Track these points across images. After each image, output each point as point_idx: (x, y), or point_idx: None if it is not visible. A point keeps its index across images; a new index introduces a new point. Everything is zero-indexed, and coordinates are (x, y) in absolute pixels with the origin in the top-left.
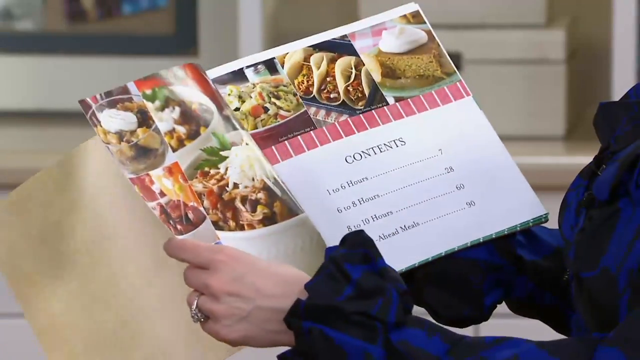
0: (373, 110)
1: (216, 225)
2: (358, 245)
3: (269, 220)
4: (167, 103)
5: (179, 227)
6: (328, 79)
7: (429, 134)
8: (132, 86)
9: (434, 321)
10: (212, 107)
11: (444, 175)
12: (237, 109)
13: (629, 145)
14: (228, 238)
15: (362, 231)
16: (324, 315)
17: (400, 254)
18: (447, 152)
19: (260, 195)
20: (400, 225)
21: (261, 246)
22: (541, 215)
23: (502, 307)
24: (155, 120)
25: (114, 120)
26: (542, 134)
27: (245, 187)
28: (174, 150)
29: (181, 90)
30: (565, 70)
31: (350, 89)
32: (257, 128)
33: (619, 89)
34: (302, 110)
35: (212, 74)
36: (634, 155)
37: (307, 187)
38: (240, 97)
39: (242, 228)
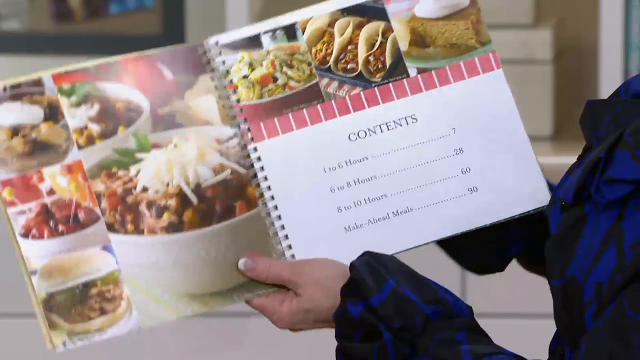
0: (390, 83)
1: (110, 227)
2: (357, 278)
3: (173, 228)
4: (86, 99)
5: (60, 227)
6: (349, 47)
7: (445, 111)
8: (48, 79)
9: (449, 331)
10: (145, 105)
11: (452, 158)
12: (245, 77)
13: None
14: (120, 241)
15: (366, 255)
16: (348, 357)
17: (387, 240)
18: (460, 131)
19: (171, 201)
20: (392, 210)
21: (157, 253)
22: (543, 205)
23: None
24: (65, 116)
25: (10, 114)
26: (529, 134)
27: (156, 191)
28: (80, 148)
29: (108, 88)
30: (552, 70)
31: (372, 58)
32: (262, 98)
33: (606, 89)
34: (313, 82)
35: (227, 38)
36: (596, 159)
37: (303, 163)
38: (251, 64)
39: (140, 232)
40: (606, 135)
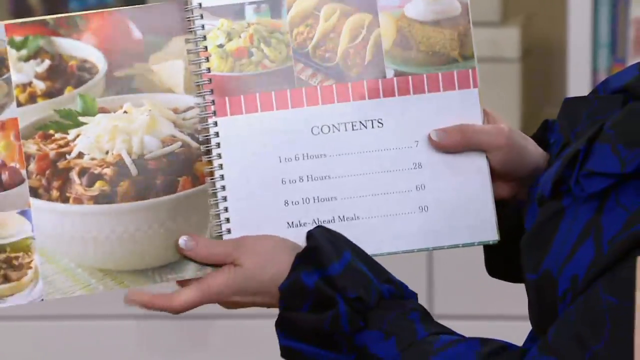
0: (365, 81)
1: (34, 191)
2: (316, 245)
3: (104, 198)
4: (37, 54)
5: None
6: (332, 35)
7: (412, 121)
8: (0, 29)
9: (402, 309)
10: (102, 66)
11: (409, 171)
12: (220, 46)
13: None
14: (40, 208)
15: (321, 227)
16: (293, 329)
17: None
18: (423, 145)
19: (107, 170)
20: (339, 214)
21: (80, 223)
22: (489, 240)
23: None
24: (11, 70)
25: None
26: None
27: (92, 158)
28: (18, 105)
29: (64, 43)
30: (520, 69)
31: (352, 51)
32: (233, 71)
33: (575, 87)
34: (287, 65)
35: (211, 1)
36: (575, 152)
37: (260, 148)
38: (228, 33)
39: (65, 201)
40: (583, 131)
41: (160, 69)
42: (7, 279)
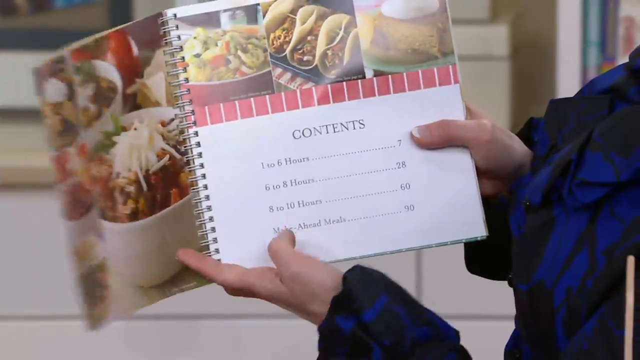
0: (345, 82)
1: (102, 213)
2: (351, 290)
3: (133, 215)
4: (87, 78)
5: (78, 211)
6: (309, 37)
7: (394, 120)
8: (67, 55)
9: (438, 352)
10: (119, 84)
11: (393, 171)
12: (197, 55)
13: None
14: (107, 229)
15: (357, 268)
16: None
17: (315, 249)
18: (406, 143)
19: (132, 188)
20: (325, 217)
21: (123, 241)
22: (477, 236)
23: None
24: (77, 95)
25: (51, 89)
26: None
27: (124, 177)
28: (84, 129)
29: (100, 66)
30: (509, 67)
31: (330, 52)
32: (211, 80)
33: (564, 86)
34: (265, 70)
35: (186, 11)
36: (566, 161)
37: (242, 155)
38: (205, 42)
39: (114, 220)
40: (570, 133)
41: (151, 82)
42: (101, 300)
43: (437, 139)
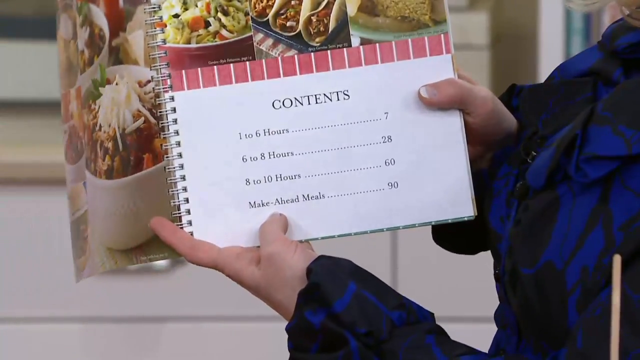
0: (329, 51)
1: (87, 163)
2: (318, 282)
3: (108, 173)
4: (84, 20)
5: (72, 155)
6: (293, 2)
7: (381, 92)
8: None
9: (416, 335)
10: (107, 34)
11: (378, 145)
12: (176, 16)
13: (560, 128)
14: (88, 179)
15: (323, 258)
16: None
17: (293, 226)
18: (393, 117)
19: (109, 144)
20: (303, 192)
21: (100, 198)
22: (465, 216)
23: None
24: (78, 37)
25: (62, 24)
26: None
27: (104, 131)
28: (80, 72)
29: (94, 10)
30: (489, 56)
31: (314, 19)
32: (189, 43)
33: (546, 76)
34: (246, 35)
35: None
36: (571, 137)
37: (219, 124)
38: (184, 2)
39: (94, 173)
40: (552, 118)
41: (131, 39)
42: (83, 252)
43: (445, 98)
